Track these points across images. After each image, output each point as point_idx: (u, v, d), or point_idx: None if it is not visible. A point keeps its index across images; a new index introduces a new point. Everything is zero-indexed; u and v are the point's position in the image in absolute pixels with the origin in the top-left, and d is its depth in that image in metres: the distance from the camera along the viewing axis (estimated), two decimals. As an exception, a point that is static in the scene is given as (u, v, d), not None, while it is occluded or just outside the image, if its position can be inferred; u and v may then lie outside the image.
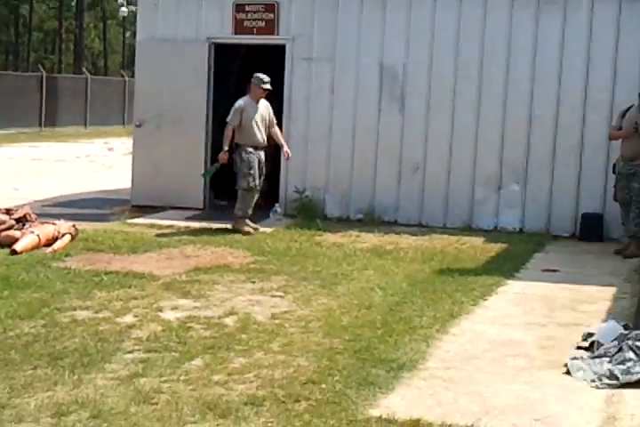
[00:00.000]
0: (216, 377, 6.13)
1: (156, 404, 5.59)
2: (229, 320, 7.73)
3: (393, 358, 6.54)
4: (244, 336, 7.21)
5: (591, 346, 6.82)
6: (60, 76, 43.32)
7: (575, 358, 6.48)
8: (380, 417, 5.27)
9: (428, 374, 6.24)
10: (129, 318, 7.76)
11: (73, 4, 68.17)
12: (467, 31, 12.88)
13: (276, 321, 7.71)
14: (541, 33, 12.63)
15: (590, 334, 7.02)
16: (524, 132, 12.78)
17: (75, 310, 8.06)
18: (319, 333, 7.33)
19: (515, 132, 12.82)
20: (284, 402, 5.58)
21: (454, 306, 8.25)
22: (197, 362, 6.51)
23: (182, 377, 6.14)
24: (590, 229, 12.39)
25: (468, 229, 12.77)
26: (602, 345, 6.67)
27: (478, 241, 11.92)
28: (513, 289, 9.16)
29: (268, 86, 12.31)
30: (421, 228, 12.86)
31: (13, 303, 8.20)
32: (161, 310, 8.04)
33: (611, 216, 12.34)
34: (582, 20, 12.50)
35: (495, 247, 11.48)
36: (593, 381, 6.09)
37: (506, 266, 10.28)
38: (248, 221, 12.33)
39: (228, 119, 12.16)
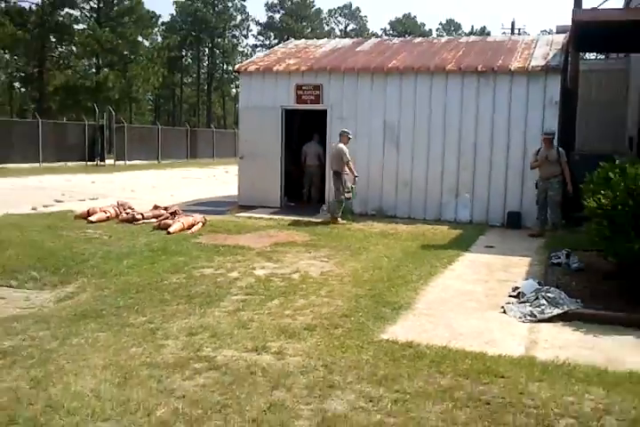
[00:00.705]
0: (287, 312, 6.04)
1: (250, 328, 5.44)
2: (295, 276, 7.62)
3: (395, 301, 6.37)
4: (304, 286, 7.11)
5: (518, 295, 6.59)
6: (199, 130, 43.86)
7: (508, 303, 6.33)
8: (388, 340, 5.21)
9: (418, 312, 6.14)
10: (235, 274, 7.69)
11: (205, 88, 68.55)
12: (435, 100, 12.61)
13: (323, 277, 7.60)
14: (481, 102, 12.26)
15: (517, 288, 6.84)
16: (471, 162, 12.46)
17: (203, 268, 8.02)
18: (349, 284, 7.21)
19: (466, 162, 12.51)
20: (327, 328, 5.47)
21: (432, 268, 8.06)
22: (275, 302, 6.41)
23: (266, 311, 6.05)
24: (513, 221, 12.01)
25: (439, 221, 12.46)
26: (525, 295, 6.41)
27: (444, 228, 11.64)
28: (467, 258, 8.91)
29: (350, 136, 12.12)
30: (410, 219, 12.55)
31: (167, 264, 8.22)
32: (254, 269, 7.96)
33: (525, 213, 12.04)
34: (505, 96, 12.13)
35: (455, 232, 11.21)
36: (520, 317, 6.01)
37: (462, 244, 10.01)
38: (339, 219, 12.04)
39: (348, 159, 11.87)
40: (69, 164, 28.26)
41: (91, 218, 11.11)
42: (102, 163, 29.94)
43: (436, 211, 12.64)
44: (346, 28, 73.10)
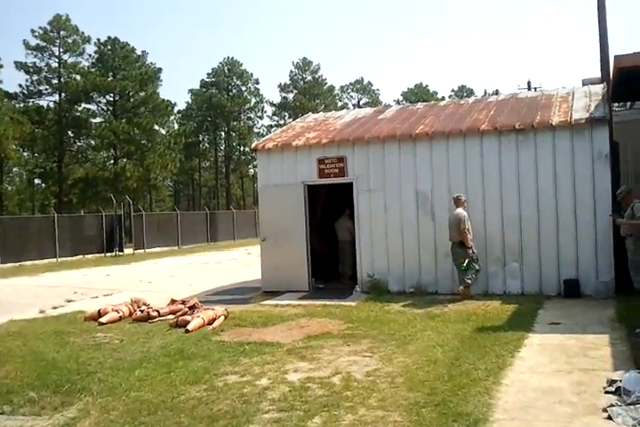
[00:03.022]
0: (334, 435, 4.71)
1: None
2: (336, 379, 6.44)
3: (467, 411, 5.14)
4: (348, 393, 5.91)
5: (617, 391, 5.24)
6: (217, 212, 43.40)
7: (612, 406, 4.96)
8: None
9: (499, 426, 4.74)
10: (264, 381, 6.52)
11: (223, 170, 69.15)
12: (471, 164, 11.70)
13: (370, 378, 6.39)
14: (521, 162, 11.38)
15: (614, 381, 5.50)
16: (517, 227, 11.41)
17: (227, 374, 6.89)
18: (403, 387, 5.99)
19: (511, 228, 11.45)
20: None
21: (499, 359, 6.79)
22: (317, 420, 5.22)
23: (307, 436, 4.73)
24: (571, 289, 10.79)
25: (487, 295, 11.22)
26: (628, 391, 5.12)
27: (496, 304, 10.38)
28: (534, 341, 7.63)
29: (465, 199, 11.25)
30: (454, 295, 11.28)
31: (185, 372, 7.07)
32: (286, 373, 6.79)
33: (583, 279, 10.86)
34: (548, 153, 11.22)
35: (510, 308, 9.93)
36: (634, 426, 4.52)
37: (522, 322, 8.76)
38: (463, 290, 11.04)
39: (466, 226, 10.92)
40: (88, 256, 27.62)
41: (101, 319, 10.08)
42: (121, 253, 29.29)
43: (482, 283, 11.42)
44: (359, 102, 73.99)
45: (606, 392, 5.39)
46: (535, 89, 42.81)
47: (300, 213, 12.71)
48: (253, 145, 13.88)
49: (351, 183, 12.48)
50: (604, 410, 4.93)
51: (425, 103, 14.70)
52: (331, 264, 14.11)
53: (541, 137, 11.23)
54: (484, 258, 11.34)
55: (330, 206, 14.38)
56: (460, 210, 11.08)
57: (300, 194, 12.75)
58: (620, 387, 5.30)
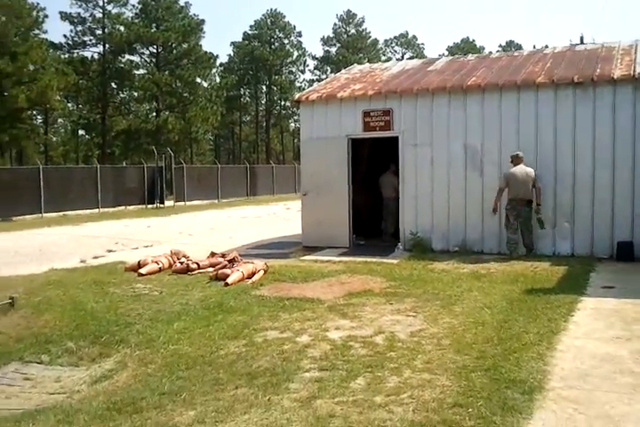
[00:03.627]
0: (377, 398, 4.52)
1: (333, 431, 3.95)
2: (379, 339, 6.14)
3: (521, 378, 4.80)
4: (392, 354, 5.61)
5: (682, 362, 4.86)
6: (257, 166, 43.19)
7: (679, 378, 4.52)
8: None
9: (556, 395, 4.50)
10: (305, 338, 6.28)
11: (264, 125, 68.62)
12: (525, 118, 11.09)
13: (415, 339, 6.09)
14: (579, 117, 10.76)
15: (679, 351, 5.04)
16: (570, 185, 10.84)
17: (267, 330, 6.67)
18: (450, 349, 5.67)
19: (564, 186, 10.90)
20: (439, 429, 3.87)
21: (551, 323, 6.41)
22: (360, 382, 4.95)
23: (350, 398, 4.54)
24: (624, 252, 10.27)
25: (535, 256, 10.75)
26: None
27: (545, 265, 9.94)
28: (588, 305, 7.22)
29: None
30: (500, 255, 10.90)
31: (224, 326, 6.89)
32: (327, 330, 6.54)
33: (638, 242, 10.24)
34: (608, 108, 10.58)
35: (560, 270, 9.48)
36: None
37: (574, 285, 8.34)
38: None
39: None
40: (129, 207, 27.77)
41: (141, 270, 9.97)
42: (162, 205, 29.36)
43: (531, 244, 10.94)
44: (402, 56, 71.96)
45: (671, 363, 5.01)
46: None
47: (344, 168, 12.30)
48: (297, 96, 13.41)
49: (397, 137, 11.98)
50: (671, 382, 4.56)
51: (476, 55, 13.96)
52: (372, 221, 13.76)
53: (601, 91, 10.54)
54: (533, 217, 10.85)
55: (374, 161, 13.93)
56: (528, 168, 10.67)
57: (343, 148, 12.30)
58: (687, 358, 4.91)
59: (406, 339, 6.02)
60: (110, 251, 13.11)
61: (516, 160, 10.75)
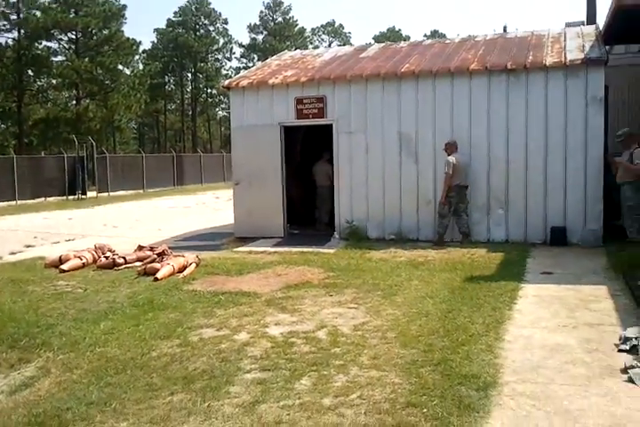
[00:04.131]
0: (326, 401, 4.21)
1: (281, 441, 3.62)
2: (321, 333, 5.86)
3: (473, 373, 4.59)
4: (337, 350, 5.33)
5: (632, 349, 4.79)
6: (185, 155, 42.27)
7: (632, 367, 4.48)
8: None
9: (511, 390, 4.32)
10: (243, 336, 5.92)
11: (190, 113, 67.14)
12: (458, 105, 11.06)
13: (359, 332, 5.84)
14: (512, 104, 10.80)
15: (628, 338, 5.04)
16: (504, 173, 10.88)
17: (202, 328, 6.26)
18: (396, 343, 5.45)
19: (497, 173, 10.92)
20: (395, 434, 3.61)
21: (495, 312, 6.29)
22: (305, 382, 4.64)
23: (297, 401, 4.22)
24: (557, 237, 10.39)
25: (470, 242, 10.63)
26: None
27: (481, 252, 9.93)
28: (529, 292, 7.17)
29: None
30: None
31: (155, 324, 6.43)
32: (267, 326, 6.19)
33: (570, 227, 10.44)
34: (540, 95, 10.66)
35: (497, 257, 9.47)
36: None
37: (512, 271, 8.31)
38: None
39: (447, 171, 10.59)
40: (49, 199, 26.47)
41: (63, 266, 9.33)
42: (84, 196, 28.11)
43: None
44: (330, 45, 71.83)
45: (620, 350, 4.92)
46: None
47: (276, 156, 11.94)
48: (226, 82, 12.90)
49: (331, 125, 11.71)
50: (624, 371, 4.46)
51: (408, 42, 13.84)
52: (306, 210, 13.47)
53: (534, 78, 10.59)
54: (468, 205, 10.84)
55: (307, 150, 13.62)
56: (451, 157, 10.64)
57: (276, 136, 11.93)
58: (635, 345, 4.84)
59: (350, 333, 5.76)
60: (29, 246, 12.29)
61: (451, 148, 10.67)
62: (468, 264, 8.88)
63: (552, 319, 5.97)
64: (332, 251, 10.44)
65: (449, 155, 10.65)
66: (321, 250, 10.54)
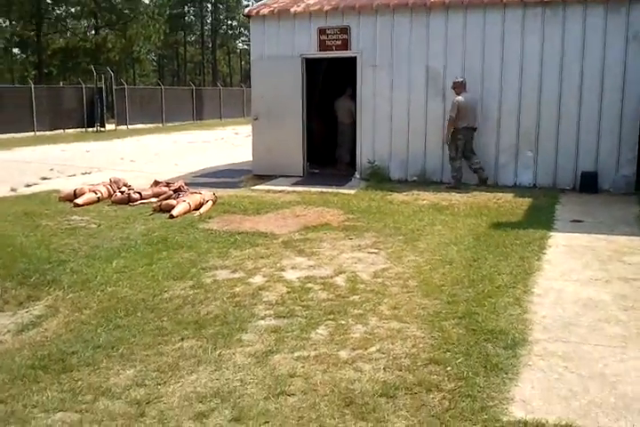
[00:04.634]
0: (343, 353, 3.96)
1: (294, 395, 3.39)
2: (340, 279, 5.57)
3: (500, 328, 4.29)
4: (355, 298, 5.05)
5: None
6: (204, 89, 41.49)
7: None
8: (526, 423, 2.99)
9: (542, 349, 4.01)
10: (258, 279, 5.65)
11: (210, 45, 65.55)
12: (490, 39, 10.37)
13: (378, 280, 5.54)
14: (547, 39, 10.12)
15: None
16: (535, 112, 10.31)
17: (216, 269, 6.00)
18: (418, 292, 5.15)
19: (527, 113, 10.35)
20: (415, 393, 3.38)
21: (523, 262, 5.93)
22: (322, 332, 4.39)
23: (312, 353, 3.99)
24: (588, 183, 9.91)
25: (496, 186, 10.35)
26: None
27: (508, 197, 9.51)
28: (559, 241, 6.77)
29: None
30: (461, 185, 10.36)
31: (169, 264, 6.17)
32: (283, 270, 5.91)
33: (602, 173, 9.93)
34: (577, 30, 9.94)
35: (524, 202, 9.06)
36: None
37: (541, 218, 7.91)
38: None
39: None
40: (68, 131, 26.16)
41: (77, 200, 9.09)
42: (102, 128, 27.77)
43: (491, 174, 10.50)
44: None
45: (657, 309, 4.60)
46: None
47: (297, 91, 11.39)
48: (246, 10, 12.23)
49: (355, 58, 11.08)
50: (666, 333, 4.15)
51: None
52: (327, 148, 12.99)
53: (572, 12, 9.88)
54: (495, 147, 10.34)
55: (329, 84, 13.02)
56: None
57: (297, 68, 11.35)
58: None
59: (369, 280, 5.47)
60: (44, 178, 12.06)
61: (460, 87, 10.14)
62: (493, 210, 8.48)
63: (583, 272, 5.61)
64: (352, 192, 10.07)
65: (457, 94, 10.16)
66: (341, 191, 10.17)
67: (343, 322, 4.48)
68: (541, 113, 10.16)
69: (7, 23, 50.54)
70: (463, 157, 10.30)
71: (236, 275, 5.75)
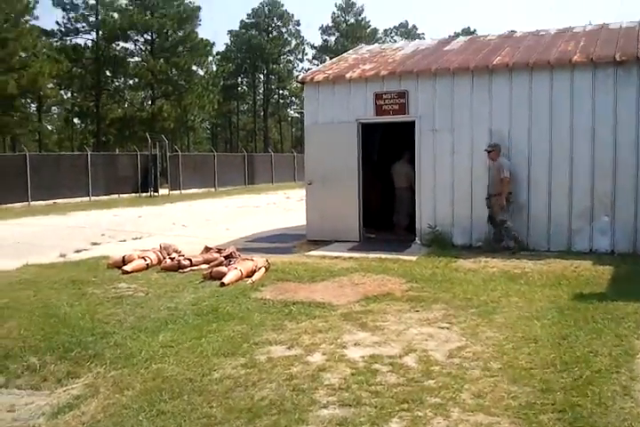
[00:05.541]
0: (426, 457, 3.23)
1: None
2: (410, 360, 4.95)
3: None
4: (431, 383, 4.42)
5: None
6: (256, 155, 42.15)
7: None
8: None
9: None
10: (318, 357, 5.09)
11: (262, 114, 67.25)
12: (558, 100, 9.87)
13: (455, 360, 4.90)
14: (620, 99, 9.57)
15: None
16: (610, 176, 9.65)
17: (270, 344, 5.46)
18: (504, 377, 4.48)
19: (603, 177, 9.69)
20: None
21: (621, 340, 5.21)
22: (396, 425, 3.69)
23: (389, 456, 3.27)
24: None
25: (569, 253, 9.60)
26: None
27: (586, 264, 8.73)
28: (656, 317, 5.93)
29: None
30: (530, 251, 9.77)
31: (219, 338, 5.67)
32: (345, 347, 5.33)
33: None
34: None
35: (605, 271, 8.27)
36: None
37: (629, 289, 7.14)
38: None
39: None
40: (122, 196, 26.52)
41: (126, 267, 8.74)
42: (156, 193, 28.09)
43: (563, 240, 9.81)
44: (402, 47, 70.69)
45: None
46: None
47: (353, 155, 11.06)
48: (301, 77, 12.15)
49: (413, 122, 10.73)
50: None
51: (497, 34, 12.70)
52: (382, 213, 12.52)
53: (646, 70, 9.34)
54: (567, 211, 9.69)
55: (386, 149, 12.69)
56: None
57: (353, 133, 11.05)
58: None
59: (444, 361, 4.83)
60: (95, 244, 11.86)
61: (498, 152, 9.87)
62: (573, 279, 7.74)
63: (694, 353, 4.86)
64: (413, 258, 9.47)
65: (492, 159, 9.84)
66: (401, 257, 9.59)
67: (420, 413, 3.84)
68: (617, 175, 9.49)
69: (69, 95, 52.97)
70: (492, 224, 10.03)
71: (293, 352, 5.19)
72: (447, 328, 5.74)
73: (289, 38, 65.95)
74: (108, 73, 50.59)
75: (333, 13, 68.02)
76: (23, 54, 38.84)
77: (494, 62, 10.14)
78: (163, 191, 28.70)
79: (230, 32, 65.58)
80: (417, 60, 11.43)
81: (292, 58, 67.90)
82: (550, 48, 10.50)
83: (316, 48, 68.78)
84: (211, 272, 8.28)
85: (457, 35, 71.66)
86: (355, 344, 5.33)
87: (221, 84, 57.12)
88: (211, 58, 58.55)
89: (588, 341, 5.13)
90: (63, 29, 48.62)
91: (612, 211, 9.57)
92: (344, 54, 13.87)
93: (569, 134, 9.73)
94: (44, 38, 44.74)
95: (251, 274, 8.26)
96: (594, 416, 3.67)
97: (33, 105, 50.76)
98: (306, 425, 3.75)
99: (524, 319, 5.89)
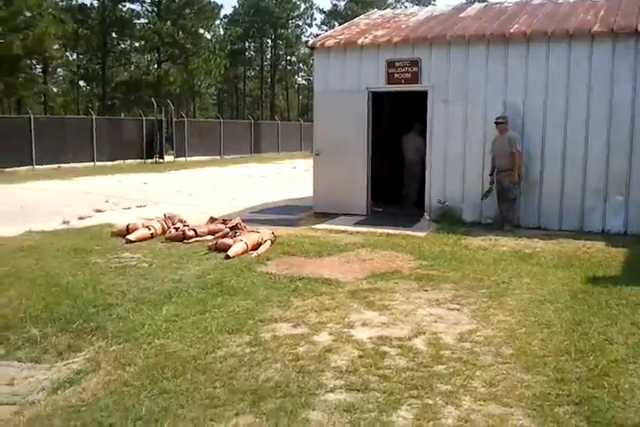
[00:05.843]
0: (436, 448, 3.12)
1: None
2: (419, 342, 4.81)
3: (633, 423, 3.36)
4: (441, 368, 4.28)
5: None
6: (262, 122, 41.58)
7: None
8: None
9: None
10: (324, 337, 4.96)
11: (269, 80, 66.39)
12: (575, 72, 9.57)
13: (466, 344, 4.77)
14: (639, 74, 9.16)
15: None
16: (626, 153, 9.37)
17: (276, 322, 5.33)
18: (517, 364, 4.35)
19: (618, 154, 9.41)
20: None
21: (637, 328, 5.02)
22: (405, 413, 3.60)
23: (399, 445, 3.14)
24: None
25: (581, 232, 9.42)
26: None
27: (599, 245, 8.52)
28: (674, 303, 5.77)
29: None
30: (541, 230, 9.61)
31: (224, 313, 5.53)
32: (352, 326, 5.20)
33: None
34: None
35: (619, 252, 8.03)
36: None
37: (643, 273, 6.90)
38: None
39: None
40: (127, 161, 26.30)
41: (130, 236, 8.60)
42: (161, 160, 27.87)
43: (575, 219, 9.61)
44: (414, 13, 69.36)
45: None
46: None
47: (363, 125, 10.80)
48: (311, 42, 11.80)
49: (425, 92, 10.44)
50: None
51: (515, 1, 12.27)
52: (391, 186, 12.29)
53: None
54: (580, 189, 9.46)
55: (396, 120, 12.40)
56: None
57: (363, 102, 10.77)
58: None
59: (455, 345, 4.69)
60: (99, 211, 11.72)
61: (506, 125, 9.62)
62: (585, 260, 7.53)
63: None
64: (421, 234, 9.29)
65: (500, 132, 9.57)
66: (409, 232, 9.40)
67: (430, 402, 3.71)
68: (633, 154, 9.24)
69: (74, 56, 52.33)
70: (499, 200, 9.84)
71: (299, 330, 5.06)
72: (457, 310, 5.59)
73: (298, 2, 64.77)
74: (114, 35, 49.91)
75: (344, -23, 66.72)
76: (28, 14, 38.17)
77: (511, 30, 9.81)
78: (168, 158, 28.47)
79: (238, -5, 64.53)
80: (431, 26, 11.07)
81: (300, 22, 66.92)
82: (569, 17, 10.13)
83: (325, 13, 67.75)
84: (216, 244, 8.14)
85: (471, 1, 70.29)
86: (362, 324, 5.19)
87: (228, 48, 56.30)
88: (218, 21, 57.82)
89: (602, 327, 4.98)
90: (68, -11, 47.82)
91: (626, 190, 9.34)
92: (355, 19, 13.47)
93: (585, 109, 9.45)
94: (48, -2, 43.99)
95: (256, 247, 8.12)
96: (611, 410, 3.52)
97: (38, 66, 50.28)
98: (312, 410, 3.63)
99: (536, 302, 5.73)
